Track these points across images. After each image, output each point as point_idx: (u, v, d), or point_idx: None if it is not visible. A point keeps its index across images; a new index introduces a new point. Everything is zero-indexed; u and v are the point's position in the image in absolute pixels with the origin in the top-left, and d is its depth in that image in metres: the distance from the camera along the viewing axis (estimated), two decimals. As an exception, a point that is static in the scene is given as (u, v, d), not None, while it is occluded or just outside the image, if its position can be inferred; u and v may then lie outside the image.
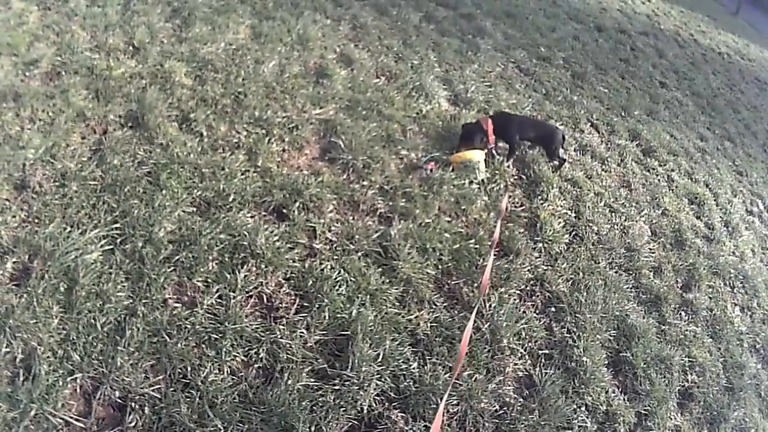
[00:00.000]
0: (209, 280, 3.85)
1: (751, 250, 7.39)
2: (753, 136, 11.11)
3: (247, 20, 6.81)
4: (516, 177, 6.03)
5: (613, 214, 6.27)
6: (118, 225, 3.92)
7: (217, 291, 3.79)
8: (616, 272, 5.53)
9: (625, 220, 6.26)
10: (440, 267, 4.60)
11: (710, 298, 6.00)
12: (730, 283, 6.48)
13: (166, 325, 3.50)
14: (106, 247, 3.76)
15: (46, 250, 3.55)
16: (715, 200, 7.82)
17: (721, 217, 7.56)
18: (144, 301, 3.56)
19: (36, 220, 3.80)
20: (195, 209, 4.27)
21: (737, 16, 25.78)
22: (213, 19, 6.56)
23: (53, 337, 3.23)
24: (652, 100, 9.76)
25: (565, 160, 6.44)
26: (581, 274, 5.23)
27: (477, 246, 4.83)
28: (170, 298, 3.70)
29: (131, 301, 3.53)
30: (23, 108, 4.52)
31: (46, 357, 3.14)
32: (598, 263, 5.48)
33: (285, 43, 6.63)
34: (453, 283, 4.53)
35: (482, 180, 5.55)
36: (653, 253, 6.10)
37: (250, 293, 3.89)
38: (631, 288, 5.47)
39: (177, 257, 3.86)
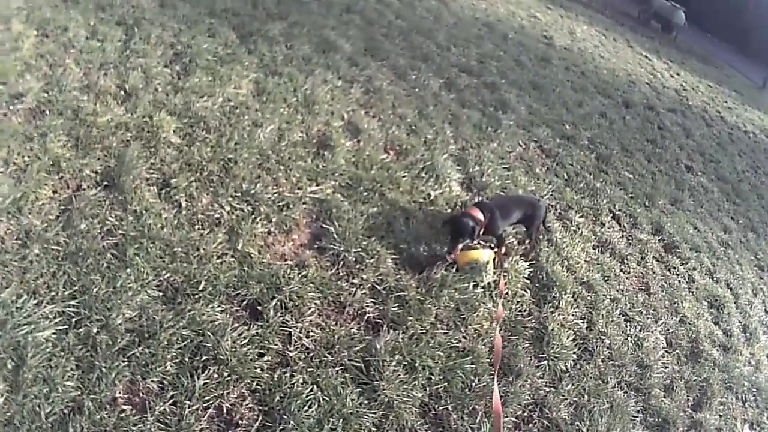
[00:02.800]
0: (165, 383, 3.31)
1: (767, 355, 6.67)
2: (776, 225, 10.34)
3: (251, 74, 6.27)
4: (526, 278, 5.35)
5: (628, 323, 5.57)
6: (75, 302, 3.41)
7: (171, 396, 3.25)
8: (624, 392, 4.85)
9: (640, 331, 5.56)
10: (428, 388, 3.95)
11: (720, 416, 5.33)
12: (742, 397, 5.80)
13: (112, 428, 3.00)
14: (60, 327, 3.27)
15: (-2, 318, 3.12)
16: (735, 302, 7.09)
17: (740, 321, 6.84)
18: (92, 396, 3.06)
19: (-8, 281, 3.35)
20: (160, 294, 3.71)
21: (764, 90, 24.95)
22: (215, 69, 6.03)
23: (-2, 417, 2.79)
24: (678, 187, 9.04)
25: (548, 228, 5.90)
26: (587, 396, 4.55)
27: (474, 365, 4.19)
28: (120, 397, 3.17)
29: (79, 393, 3.06)
30: (0, 147, 4.09)
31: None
32: (607, 383, 4.79)
33: (289, 104, 6.04)
34: (441, 408, 3.89)
35: (488, 283, 4.90)
36: (666, 368, 5.40)
37: (208, 403, 3.32)
38: (638, 410, 4.78)
39: (133, 351, 3.33)
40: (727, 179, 10.60)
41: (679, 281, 6.77)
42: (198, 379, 3.35)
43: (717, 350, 6.13)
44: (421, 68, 8.43)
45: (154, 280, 3.76)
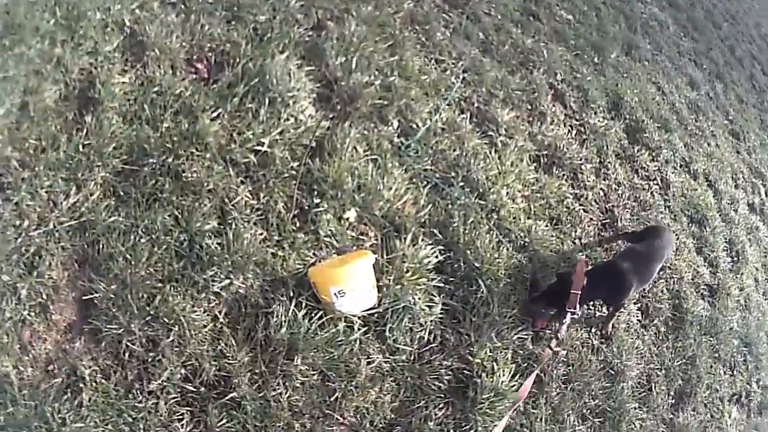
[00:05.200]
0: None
1: (755, 278, 4.97)
2: (739, 64, 8.17)
3: None
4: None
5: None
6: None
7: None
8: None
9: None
10: None
11: (705, 404, 3.94)
12: (731, 363, 4.31)
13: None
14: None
15: None
16: (718, 207, 4.94)
17: (725, 238, 4.74)
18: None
19: None
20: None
21: None
22: None
23: None
24: (629, 26, 6.37)
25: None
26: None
27: None
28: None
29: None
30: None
31: None
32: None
33: None
34: None
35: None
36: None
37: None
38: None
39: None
40: (679, 5, 8.00)
41: (652, 193, 4.45)
42: None
43: (703, 302, 4.19)
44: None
45: None
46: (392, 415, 2.58)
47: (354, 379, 2.51)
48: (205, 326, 2.31)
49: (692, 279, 4.22)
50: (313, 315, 2.46)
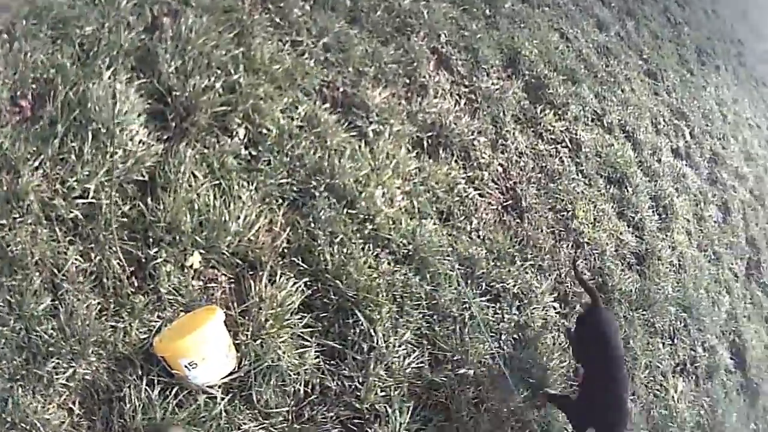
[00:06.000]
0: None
1: (686, 232, 4.63)
2: (650, -6, 7.62)
3: None
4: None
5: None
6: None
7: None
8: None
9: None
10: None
11: (646, 385, 3.61)
12: (670, 333, 3.95)
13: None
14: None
15: None
16: (638, 160, 4.49)
17: (650, 195, 4.31)
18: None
19: None
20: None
21: None
22: None
23: None
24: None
25: None
26: None
27: None
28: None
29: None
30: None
31: None
32: None
33: None
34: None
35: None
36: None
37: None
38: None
39: None
40: None
41: (561, 159, 3.93)
42: None
43: (631, 273, 3.74)
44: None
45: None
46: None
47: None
48: (62, 423, 1.90)
49: (616, 250, 3.76)
50: (168, 392, 2.01)
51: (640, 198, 4.17)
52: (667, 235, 4.25)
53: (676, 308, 4.03)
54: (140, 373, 2.03)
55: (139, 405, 1.96)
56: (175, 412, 2.00)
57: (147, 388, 1.99)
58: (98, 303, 2.09)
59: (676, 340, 4.00)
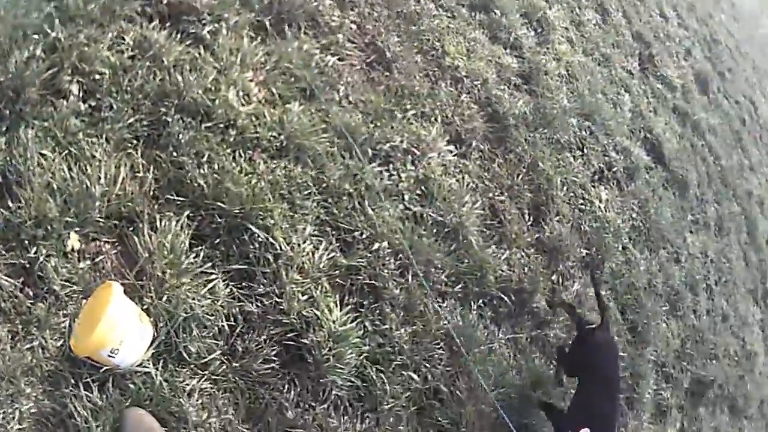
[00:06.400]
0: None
1: (568, 41, 4.62)
2: None
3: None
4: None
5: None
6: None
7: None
8: None
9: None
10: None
11: (568, 202, 3.59)
12: (577, 144, 3.90)
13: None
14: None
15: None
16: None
17: (518, 8, 4.17)
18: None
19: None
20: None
21: None
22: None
23: None
24: None
25: None
26: None
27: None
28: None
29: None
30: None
31: None
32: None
33: None
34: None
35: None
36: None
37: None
38: None
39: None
40: None
41: (421, 5, 3.61)
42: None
43: (520, 95, 3.72)
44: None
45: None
46: (246, 428, 2.06)
47: (188, 421, 1.95)
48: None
49: (498, 76, 3.57)
50: (107, 388, 1.87)
51: (510, 18, 3.95)
52: (548, 49, 4.10)
53: (577, 119, 3.95)
54: (74, 381, 1.85)
55: (89, 414, 1.80)
56: (122, 404, 1.85)
57: (86, 393, 1.82)
58: (7, 331, 1.84)
59: (585, 150, 3.94)
